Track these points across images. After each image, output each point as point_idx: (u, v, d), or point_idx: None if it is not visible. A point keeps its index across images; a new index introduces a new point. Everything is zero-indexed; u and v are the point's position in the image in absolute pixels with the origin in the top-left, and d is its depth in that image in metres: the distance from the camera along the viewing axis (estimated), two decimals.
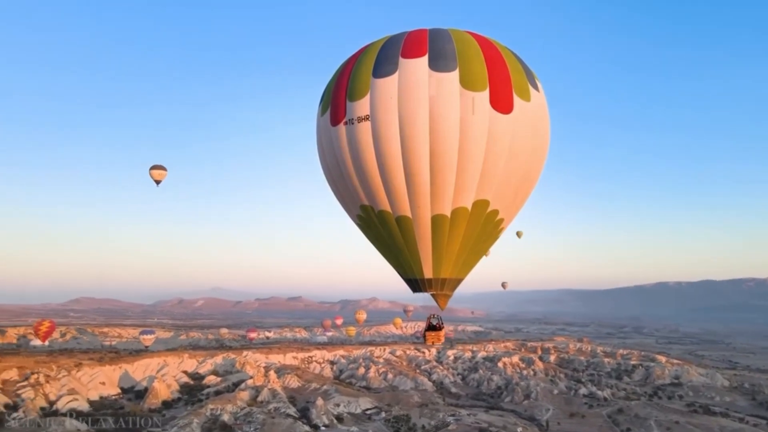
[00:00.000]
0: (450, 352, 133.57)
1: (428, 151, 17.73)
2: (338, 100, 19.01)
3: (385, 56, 18.51)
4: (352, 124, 18.33)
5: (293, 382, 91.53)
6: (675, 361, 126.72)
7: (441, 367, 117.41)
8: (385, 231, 20.11)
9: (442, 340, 23.30)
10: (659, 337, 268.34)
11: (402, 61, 18.11)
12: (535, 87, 19.77)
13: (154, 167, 66.65)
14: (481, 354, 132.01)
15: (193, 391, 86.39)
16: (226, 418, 66.59)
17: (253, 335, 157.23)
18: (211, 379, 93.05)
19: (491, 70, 18.32)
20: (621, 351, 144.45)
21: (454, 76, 17.78)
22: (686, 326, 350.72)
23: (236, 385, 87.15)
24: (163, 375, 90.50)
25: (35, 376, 78.50)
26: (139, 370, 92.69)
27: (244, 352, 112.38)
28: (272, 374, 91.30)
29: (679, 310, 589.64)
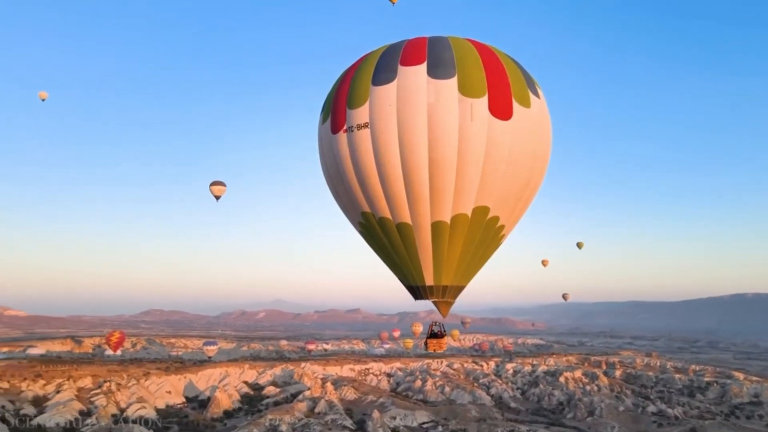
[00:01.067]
0: (509, 366, 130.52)
1: (427, 157, 17.79)
2: (338, 108, 19.26)
3: (385, 64, 18.68)
4: (352, 131, 18.53)
5: (350, 394, 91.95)
6: (754, 378, 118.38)
7: (500, 381, 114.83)
8: (387, 238, 20.18)
9: (444, 347, 22.86)
10: (736, 352, 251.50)
11: (401, 69, 18.25)
12: (536, 94, 19.69)
13: (214, 183, 69.27)
14: (542, 368, 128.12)
15: (253, 401, 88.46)
16: (284, 428, 67.71)
17: (311, 347, 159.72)
18: (271, 390, 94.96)
19: (490, 77, 18.34)
20: (694, 367, 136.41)
21: (453, 83, 17.84)
22: (766, 341, 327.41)
23: (294, 396, 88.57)
24: (225, 385, 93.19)
25: (107, 384, 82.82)
26: (203, 380, 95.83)
27: (302, 364, 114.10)
28: (329, 386, 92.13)
29: (758, 323, 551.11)
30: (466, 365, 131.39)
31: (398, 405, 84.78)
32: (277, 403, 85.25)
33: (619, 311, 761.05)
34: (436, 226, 19.01)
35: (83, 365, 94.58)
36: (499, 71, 18.80)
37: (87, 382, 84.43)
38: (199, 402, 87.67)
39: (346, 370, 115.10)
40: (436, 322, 22.59)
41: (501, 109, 18.19)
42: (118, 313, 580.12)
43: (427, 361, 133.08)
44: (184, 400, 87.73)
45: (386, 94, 18.08)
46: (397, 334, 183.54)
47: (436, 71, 18.02)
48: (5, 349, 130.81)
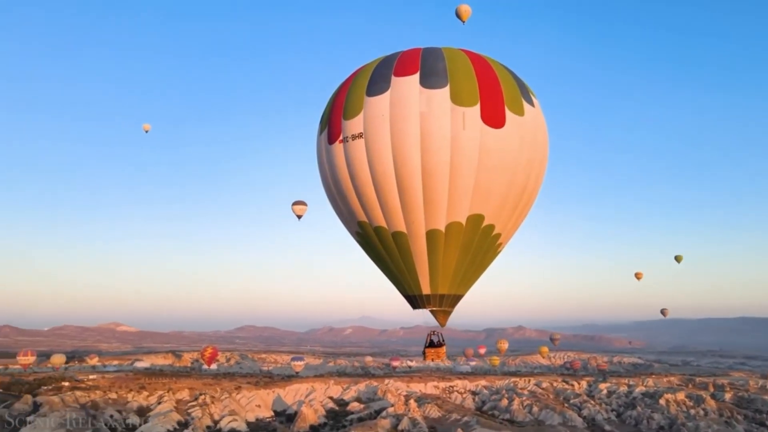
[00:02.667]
0: (603, 386, 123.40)
1: (420, 166, 17.87)
2: (335, 118, 19.64)
3: (379, 75, 18.95)
4: (347, 141, 18.86)
5: (433, 411, 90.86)
6: None
7: (593, 402, 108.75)
8: (383, 247, 20.25)
9: (443, 356, 22.49)
10: None
11: (394, 80, 18.49)
12: (530, 102, 19.65)
13: (296, 203, 71.86)
14: (639, 389, 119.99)
15: (338, 417, 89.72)
16: None
17: (396, 363, 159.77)
18: (355, 406, 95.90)
19: (482, 86, 18.38)
20: None
21: (445, 92, 17.98)
22: None
23: (378, 412, 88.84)
24: (311, 400, 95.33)
25: (203, 397, 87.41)
26: (290, 395, 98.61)
27: (386, 380, 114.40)
28: (412, 403, 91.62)
29: None
30: (555, 384, 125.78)
31: (483, 424, 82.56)
32: (361, 419, 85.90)
33: (729, 328, 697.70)
34: (431, 235, 19.04)
35: (181, 378, 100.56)
36: (492, 80, 18.90)
37: (185, 394, 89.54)
38: (286, 416, 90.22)
39: (430, 387, 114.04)
40: (434, 332, 22.29)
41: (493, 118, 18.29)
42: (216, 329, 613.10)
43: (513, 379, 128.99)
44: (272, 413, 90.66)
45: (379, 104, 18.40)
46: (482, 351, 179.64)
47: (428, 81, 18.23)
48: (116, 362, 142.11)
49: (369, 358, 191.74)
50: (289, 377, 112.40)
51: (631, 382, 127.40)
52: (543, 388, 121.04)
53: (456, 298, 21.23)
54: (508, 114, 18.67)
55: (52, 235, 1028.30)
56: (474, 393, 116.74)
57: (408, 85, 18.35)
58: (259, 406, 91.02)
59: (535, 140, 19.80)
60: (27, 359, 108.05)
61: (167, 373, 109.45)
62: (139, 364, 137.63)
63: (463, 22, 59.89)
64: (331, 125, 19.87)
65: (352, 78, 20.19)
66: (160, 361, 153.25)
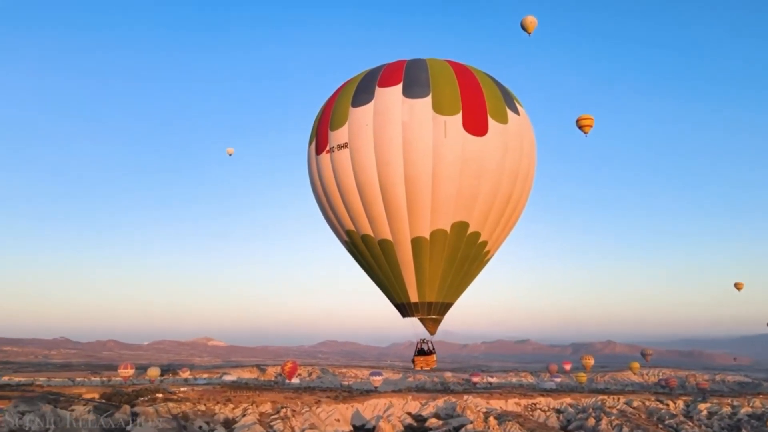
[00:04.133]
0: (702, 406, 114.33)
1: (403, 174, 18.02)
2: (322, 129, 20.06)
3: (364, 86, 19.26)
4: (333, 152, 19.22)
5: (515, 429, 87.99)
6: None
7: (691, 423, 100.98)
8: (371, 255, 20.39)
9: (433, 364, 22.04)
10: None
11: (378, 90, 18.76)
12: (515, 110, 19.60)
13: None
14: (745, 410, 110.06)
15: None
16: None
17: (476, 379, 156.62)
18: (433, 422, 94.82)
19: (464, 95, 18.44)
20: None
21: (427, 101, 18.11)
22: None
23: (457, 429, 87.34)
24: (389, 415, 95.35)
25: (284, 410, 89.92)
26: (369, 410, 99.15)
27: (465, 396, 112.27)
28: (492, 420, 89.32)
29: None
30: (648, 403, 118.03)
31: None
32: None
33: None
34: (416, 242, 19.16)
35: (264, 392, 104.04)
36: (474, 89, 18.98)
37: (267, 407, 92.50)
38: (365, 431, 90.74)
39: (511, 405, 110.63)
40: (423, 340, 22.03)
41: (475, 126, 18.34)
42: (300, 344, 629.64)
43: (601, 397, 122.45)
44: (351, 428, 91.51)
45: (363, 114, 18.70)
46: (568, 366, 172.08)
47: (410, 91, 18.43)
48: (205, 376, 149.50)
49: (448, 374, 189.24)
50: (368, 392, 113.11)
51: (735, 403, 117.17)
52: (634, 407, 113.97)
53: (445, 306, 21.25)
54: (491, 122, 18.82)
55: (154, 258, 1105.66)
56: (558, 411, 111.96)
57: (391, 96, 18.67)
58: (338, 420, 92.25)
59: (520, 148, 19.84)
60: (127, 372, 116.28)
61: (251, 387, 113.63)
62: (227, 378, 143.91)
63: (529, 34, 58.72)
64: (319, 136, 20.46)
65: (340, 90, 20.68)
66: (246, 374, 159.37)
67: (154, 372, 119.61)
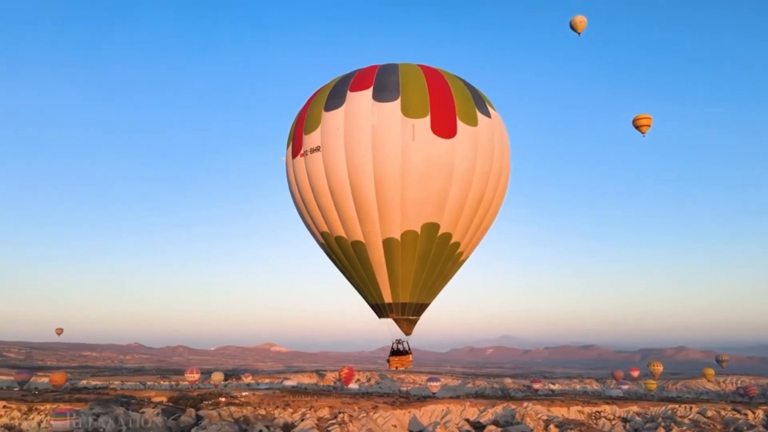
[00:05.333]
0: None
1: (373, 176, 18.32)
2: (297, 133, 20.48)
3: (336, 91, 19.59)
4: (307, 155, 19.62)
5: None
6: None
7: None
8: (345, 256, 20.67)
9: (409, 365, 22.05)
10: None
11: (349, 95, 19.10)
12: (486, 113, 19.71)
13: None
14: None
15: None
16: None
17: (537, 386, 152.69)
18: (491, 429, 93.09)
19: (433, 98, 18.57)
20: None
21: (396, 105, 18.37)
22: None
23: None
24: (446, 422, 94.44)
25: (342, 415, 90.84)
26: (426, 416, 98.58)
27: (525, 403, 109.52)
28: (553, 428, 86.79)
29: None
30: (724, 413, 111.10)
31: None
32: None
33: None
34: (388, 243, 19.45)
35: (322, 397, 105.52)
36: (444, 92, 19.11)
37: (325, 412, 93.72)
38: None
39: (573, 412, 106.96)
40: (399, 340, 22.12)
41: (444, 128, 18.50)
42: (360, 349, 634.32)
43: (672, 405, 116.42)
44: None
45: (335, 118, 19.05)
46: (635, 373, 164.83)
47: (380, 95, 18.75)
48: (267, 381, 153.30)
49: (508, 380, 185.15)
50: (426, 398, 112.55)
51: None
52: (708, 417, 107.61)
53: (419, 307, 21.39)
54: (460, 124, 18.96)
55: (221, 267, 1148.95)
56: (625, 420, 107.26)
57: (361, 100, 18.99)
58: (395, 425, 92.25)
59: (491, 150, 19.90)
60: (192, 376, 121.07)
61: (310, 392, 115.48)
62: (287, 383, 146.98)
63: (579, 33, 57.01)
64: (295, 140, 20.93)
65: (315, 94, 21.03)
66: (306, 379, 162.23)
67: (217, 377, 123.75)
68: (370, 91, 19.11)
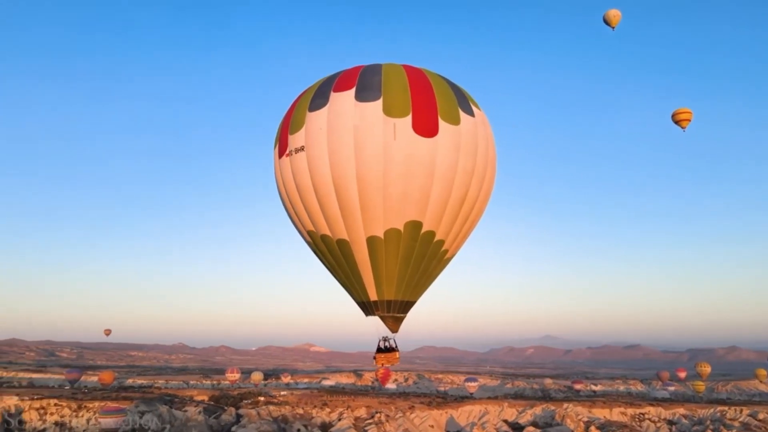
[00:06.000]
0: None
1: (355, 175, 18.46)
2: (283, 133, 20.72)
3: (321, 92, 19.75)
4: (292, 155, 19.84)
5: None
6: None
7: None
8: (330, 254, 20.77)
9: (395, 362, 21.85)
10: None
11: (332, 95, 19.26)
12: (469, 112, 19.70)
13: None
14: None
15: None
16: None
17: (578, 386, 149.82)
18: (530, 430, 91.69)
19: (415, 97, 18.64)
20: None
21: (378, 105, 18.52)
22: None
23: None
24: (484, 422, 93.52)
25: (378, 415, 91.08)
26: (463, 416, 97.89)
27: (565, 405, 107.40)
28: (594, 430, 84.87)
29: None
30: None
31: None
32: None
33: None
34: (371, 241, 19.56)
35: (359, 397, 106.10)
36: (426, 91, 19.16)
37: (362, 412, 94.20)
38: None
39: (616, 414, 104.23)
40: (385, 338, 22.10)
41: (425, 127, 18.60)
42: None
43: (721, 408, 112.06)
44: None
45: (318, 118, 19.25)
46: (682, 374, 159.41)
47: (362, 95, 18.91)
48: (306, 380, 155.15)
49: (549, 380, 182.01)
50: (463, 398, 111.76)
51: None
52: (759, 420, 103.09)
53: (405, 305, 21.47)
54: (442, 123, 19.03)
55: (263, 270, 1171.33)
56: (671, 422, 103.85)
57: (344, 100, 19.20)
58: (432, 426, 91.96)
59: (474, 149, 19.88)
60: (233, 376, 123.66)
61: (348, 392, 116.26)
62: (326, 383, 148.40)
63: (613, 28, 55.77)
64: (281, 140, 21.20)
65: (301, 95, 21.31)
66: (344, 379, 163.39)
67: (257, 376, 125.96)
68: (352, 92, 19.33)
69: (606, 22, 56.04)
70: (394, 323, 21.82)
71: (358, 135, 18.82)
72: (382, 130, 18.71)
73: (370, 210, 19.30)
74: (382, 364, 22.66)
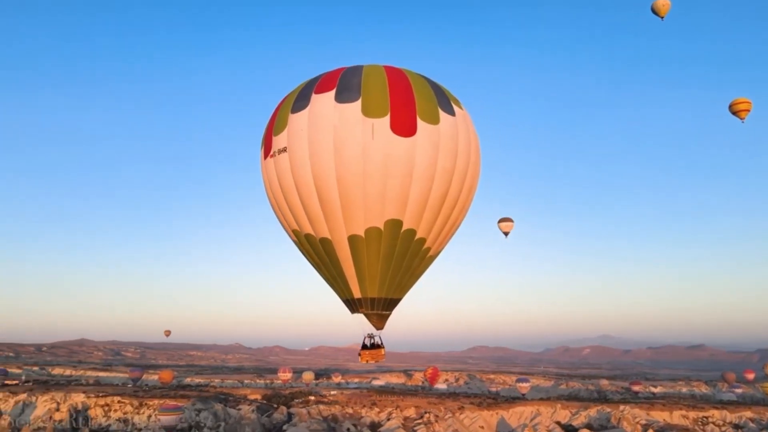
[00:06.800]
0: None
1: (335, 175, 18.78)
2: (268, 135, 21.16)
3: (303, 94, 20.15)
4: (275, 156, 20.29)
5: None
6: None
7: None
8: (315, 253, 21.12)
9: (381, 358, 22.13)
10: None
11: (313, 97, 19.63)
12: (450, 111, 19.90)
13: (501, 220, 71.67)
14: None
15: None
16: None
17: (637, 388, 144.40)
18: None
19: (393, 98, 18.93)
20: None
21: (356, 106, 18.88)
22: None
23: None
24: (536, 424, 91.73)
25: (427, 415, 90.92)
26: (514, 417, 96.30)
27: (622, 407, 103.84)
28: None
29: None
30: None
31: None
32: None
33: None
34: (353, 240, 19.90)
35: (408, 397, 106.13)
36: (405, 91, 19.43)
37: (411, 412, 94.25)
38: None
39: (676, 417, 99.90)
40: (370, 335, 22.30)
41: (403, 127, 18.85)
42: (450, 349, 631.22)
43: None
44: None
45: (300, 120, 19.65)
46: (751, 376, 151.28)
47: (342, 96, 19.24)
48: (356, 380, 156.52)
49: (605, 381, 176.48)
50: (514, 399, 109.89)
51: None
52: None
53: (389, 302, 21.76)
54: (420, 123, 19.24)
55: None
56: (737, 426, 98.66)
57: (324, 101, 19.57)
58: (482, 427, 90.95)
59: (454, 148, 20.00)
60: (285, 375, 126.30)
61: (397, 391, 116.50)
62: (376, 382, 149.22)
63: (662, 17, 54.16)
64: (266, 141, 21.68)
65: (286, 97, 21.74)
66: (394, 379, 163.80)
67: (308, 376, 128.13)
68: (332, 93, 19.69)
69: (655, 11, 54.61)
70: (378, 320, 22.22)
71: (338, 136, 19.20)
72: (360, 130, 19.03)
73: (350, 209, 19.69)
74: (367, 361, 22.97)
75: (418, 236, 20.74)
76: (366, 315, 22.08)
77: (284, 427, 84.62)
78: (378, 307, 21.79)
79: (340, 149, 19.24)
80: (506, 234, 72.23)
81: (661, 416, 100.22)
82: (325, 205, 19.96)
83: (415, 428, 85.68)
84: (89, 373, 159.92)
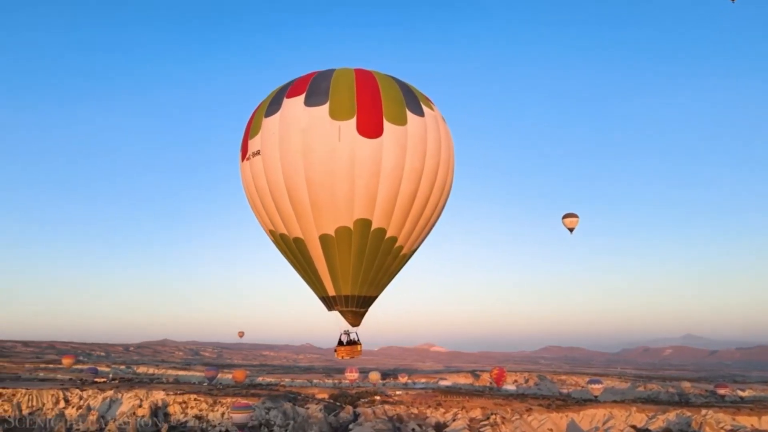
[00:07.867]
0: None
1: (304, 177, 19.59)
2: (245, 138, 21.75)
3: (276, 98, 20.81)
4: (250, 159, 20.96)
5: None
6: None
7: None
8: (290, 252, 21.83)
9: (358, 354, 23.20)
10: None
11: (285, 101, 20.31)
12: (419, 112, 20.86)
13: (566, 215, 69.71)
14: None
15: None
16: None
17: (722, 391, 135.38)
18: None
19: (360, 100, 19.56)
20: None
21: (324, 109, 19.60)
22: None
23: None
24: (609, 428, 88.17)
25: (494, 416, 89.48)
26: (585, 420, 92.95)
27: (704, 411, 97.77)
28: None
29: None
30: None
31: None
32: None
33: None
34: (324, 239, 20.81)
35: (475, 397, 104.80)
36: (372, 94, 20.03)
37: (477, 413, 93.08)
38: None
39: (766, 423, 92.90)
40: (347, 331, 22.73)
41: (369, 129, 19.52)
42: (521, 349, 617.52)
43: None
44: None
45: (272, 124, 20.40)
46: None
47: (311, 100, 19.91)
48: (423, 380, 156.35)
49: (687, 384, 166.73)
50: (586, 401, 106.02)
51: None
52: None
53: (364, 300, 22.26)
54: (386, 124, 19.82)
55: None
56: None
57: (294, 105, 20.24)
58: (551, 429, 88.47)
59: (422, 149, 20.48)
60: (352, 375, 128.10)
61: (464, 392, 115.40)
62: (442, 383, 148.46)
63: (733, 0, 51.47)
64: (243, 144, 22.43)
65: (263, 102, 22.50)
66: (461, 380, 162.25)
67: (374, 376, 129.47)
68: (302, 97, 20.37)
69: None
70: (353, 317, 22.79)
71: (306, 138, 19.94)
72: (328, 132, 19.74)
73: (320, 209, 20.40)
74: (343, 357, 23.54)
75: (388, 235, 21.30)
76: (341, 312, 22.78)
77: (350, 427, 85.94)
78: (352, 305, 22.43)
79: (308, 152, 19.97)
80: (571, 230, 70.11)
81: (748, 422, 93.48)
82: (296, 206, 20.78)
83: (481, 429, 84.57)
84: (170, 371, 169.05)
